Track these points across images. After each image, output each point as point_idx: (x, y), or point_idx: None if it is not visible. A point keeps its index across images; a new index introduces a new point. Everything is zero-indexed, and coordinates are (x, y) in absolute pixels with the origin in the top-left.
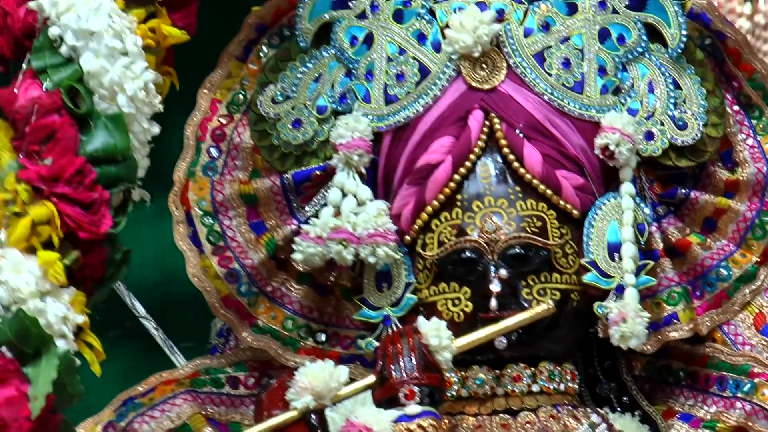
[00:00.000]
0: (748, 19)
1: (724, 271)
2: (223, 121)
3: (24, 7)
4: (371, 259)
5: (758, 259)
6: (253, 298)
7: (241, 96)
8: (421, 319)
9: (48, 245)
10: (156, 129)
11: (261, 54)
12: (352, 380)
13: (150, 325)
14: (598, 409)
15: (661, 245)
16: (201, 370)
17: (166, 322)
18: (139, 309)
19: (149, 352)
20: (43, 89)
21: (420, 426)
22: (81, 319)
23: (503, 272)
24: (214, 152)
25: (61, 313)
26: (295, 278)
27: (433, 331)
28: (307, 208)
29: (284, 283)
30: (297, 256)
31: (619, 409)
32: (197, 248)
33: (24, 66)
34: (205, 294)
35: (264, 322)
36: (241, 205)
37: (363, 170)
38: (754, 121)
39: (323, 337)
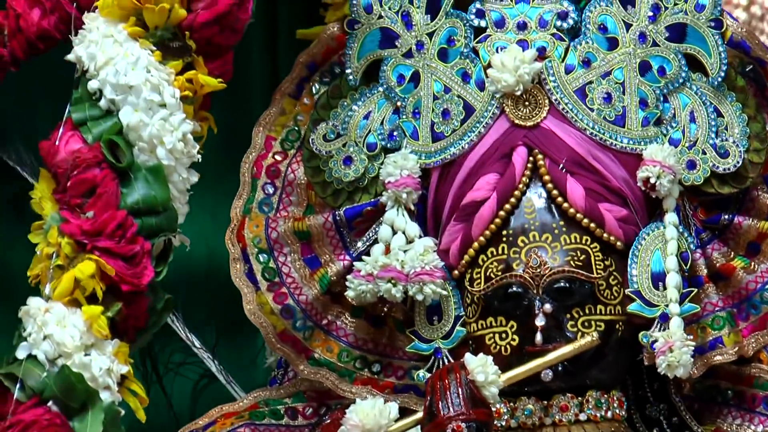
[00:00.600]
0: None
1: None
2: (278, 158)
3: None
4: (419, 297)
5: None
6: (309, 332)
7: (295, 132)
8: (468, 355)
9: (92, 299)
10: (195, 178)
11: (313, 91)
12: (401, 417)
13: (206, 356)
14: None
15: (705, 271)
16: (260, 402)
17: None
18: (195, 341)
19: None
20: (84, 142)
21: None
22: (125, 369)
23: (548, 306)
24: (269, 189)
25: (105, 365)
26: (350, 311)
27: (480, 366)
28: (359, 244)
29: (339, 316)
30: (349, 294)
31: (668, 430)
32: (253, 285)
33: (64, 116)
34: (261, 330)
35: (320, 355)
36: (296, 242)
37: (412, 206)
38: None
39: (378, 367)
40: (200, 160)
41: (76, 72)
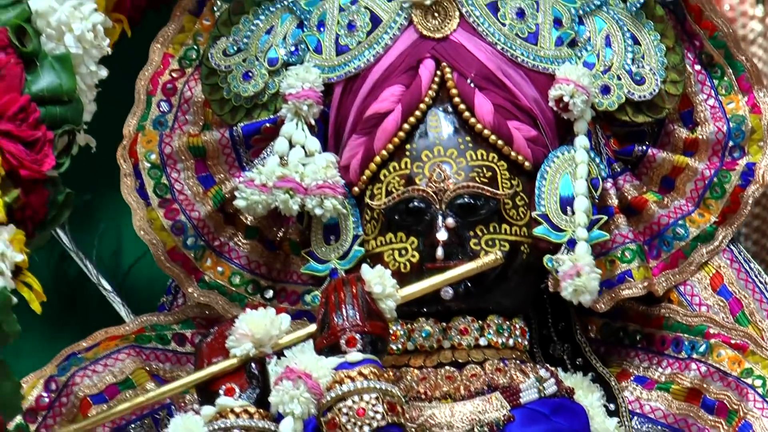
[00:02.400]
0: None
1: (681, 230)
2: (175, 75)
3: None
4: (318, 211)
5: (716, 219)
6: (200, 251)
7: (194, 51)
8: (365, 267)
9: None
10: (104, 72)
11: (214, 8)
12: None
13: (116, 300)
14: (549, 366)
15: (616, 202)
16: (147, 326)
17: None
18: (105, 285)
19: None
20: None
21: (361, 373)
22: (20, 257)
23: (450, 221)
24: (164, 106)
25: None
26: (243, 233)
27: (377, 278)
28: (256, 162)
29: (232, 237)
30: (240, 203)
31: (571, 370)
32: (144, 200)
33: None
34: (150, 247)
35: (211, 277)
36: (190, 158)
37: (312, 122)
38: (715, 81)
39: (270, 294)
40: (110, 53)
41: None
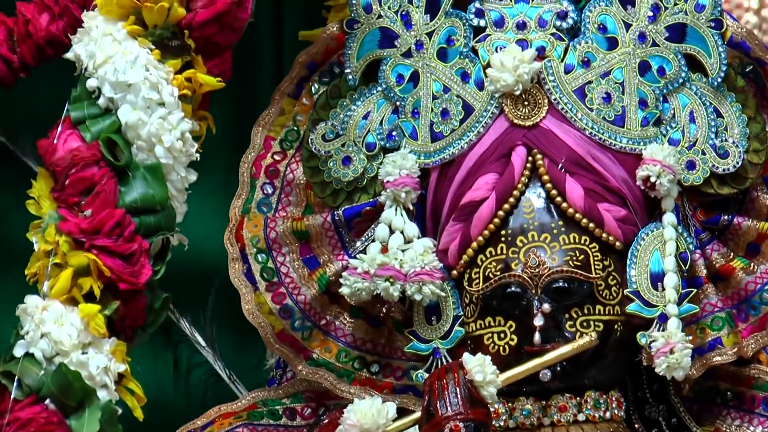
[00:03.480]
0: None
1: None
2: (277, 158)
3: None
4: (417, 297)
5: None
6: (307, 332)
7: (294, 133)
8: (466, 355)
9: (89, 297)
10: (193, 177)
11: (312, 91)
12: (399, 417)
13: (209, 356)
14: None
15: (704, 272)
16: (258, 402)
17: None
18: (200, 340)
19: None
20: (82, 140)
21: None
22: (122, 368)
23: (546, 306)
24: (268, 189)
25: (102, 364)
26: (348, 312)
27: (478, 366)
28: (357, 244)
29: (338, 316)
30: (344, 291)
31: (667, 431)
32: (252, 285)
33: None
34: (259, 329)
35: (318, 355)
36: (294, 242)
37: (411, 206)
38: None
39: (377, 368)
40: (198, 159)
41: (75, 71)
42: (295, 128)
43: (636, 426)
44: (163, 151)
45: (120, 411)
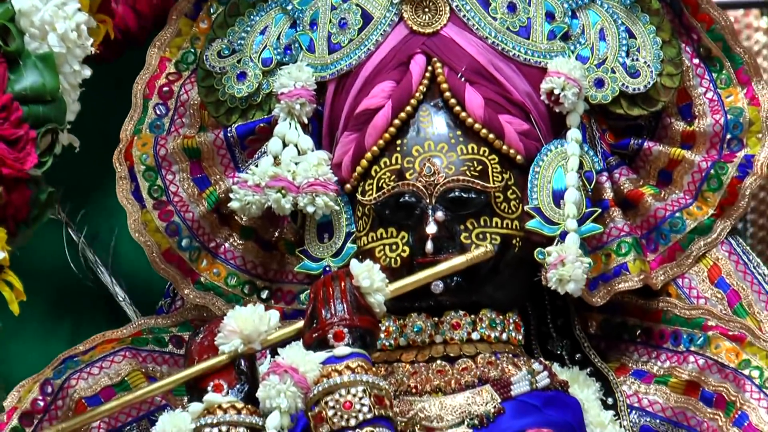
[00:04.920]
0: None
1: (678, 223)
2: (172, 78)
3: None
4: (310, 209)
5: (714, 212)
6: (195, 252)
7: (191, 55)
8: (353, 262)
9: None
10: (87, 72)
11: (211, 11)
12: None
13: (129, 309)
14: (543, 360)
15: (611, 195)
16: (144, 329)
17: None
18: (119, 291)
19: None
20: None
21: (348, 367)
22: (2, 255)
23: (440, 214)
24: (161, 109)
25: None
26: (239, 234)
27: (365, 272)
28: (250, 162)
29: (227, 238)
30: (234, 204)
31: (570, 365)
32: (139, 203)
33: None
34: (145, 249)
35: (206, 279)
36: (185, 160)
37: (305, 120)
38: (714, 74)
39: (267, 294)
40: (93, 52)
41: None
42: (192, 50)
43: (534, 353)
44: (57, 39)
45: None
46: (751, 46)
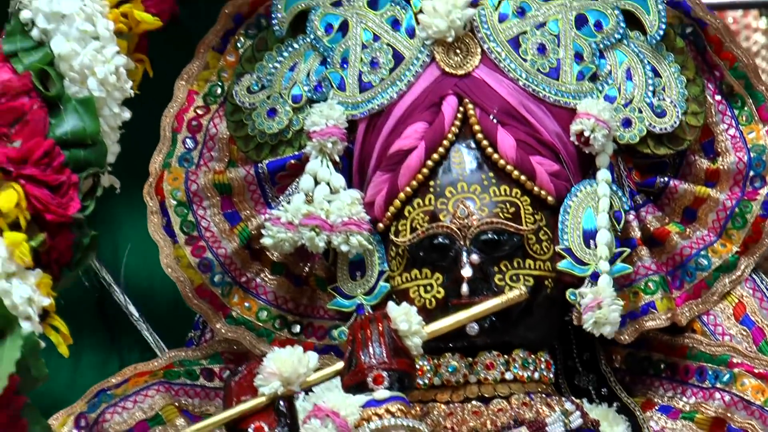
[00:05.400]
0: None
1: (703, 261)
2: (200, 112)
3: None
4: (344, 248)
5: (738, 249)
6: (227, 288)
7: (218, 88)
8: (390, 305)
9: (15, 227)
10: (127, 114)
11: (238, 44)
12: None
13: (143, 328)
14: (574, 398)
15: (638, 234)
16: (175, 361)
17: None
18: (133, 311)
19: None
20: (13, 72)
21: (388, 411)
22: (47, 301)
23: (475, 257)
24: (189, 143)
25: (26, 294)
26: (270, 269)
27: (403, 315)
28: (281, 198)
29: (259, 273)
30: (266, 241)
31: (597, 400)
32: (171, 238)
33: None
34: (178, 284)
35: (238, 313)
36: (216, 195)
37: (337, 158)
38: (736, 111)
39: (298, 328)
40: (133, 95)
41: (9, 7)
42: (220, 83)
43: (564, 393)
44: (96, 83)
45: (43, 345)
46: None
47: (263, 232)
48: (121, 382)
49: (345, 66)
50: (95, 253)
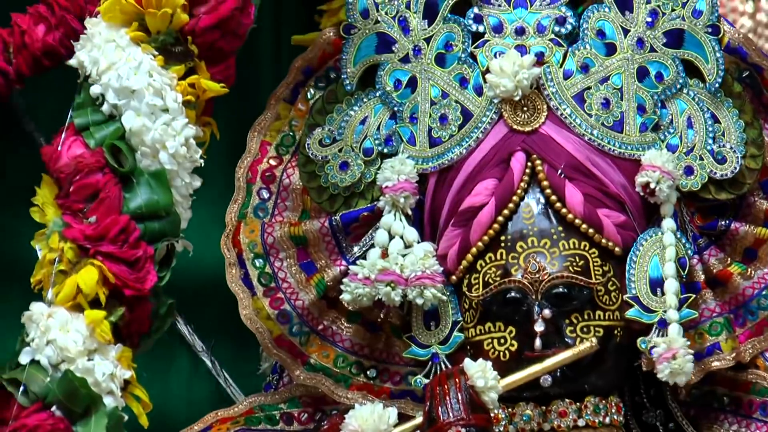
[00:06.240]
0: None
1: (765, 300)
2: (273, 162)
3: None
4: (419, 301)
5: None
6: (305, 337)
7: (290, 138)
8: (467, 361)
9: (95, 304)
10: (197, 183)
11: (308, 95)
12: (399, 422)
13: (207, 359)
14: None
15: (702, 277)
16: (255, 407)
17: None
18: (198, 344)
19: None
20: (86, 147)
21: None
22: (128, 374)
23: (547, 312)
24: (264, 194)
25: (108, 370)
26: (346, 317)
27: (479, 371)
28: (355, 249)
29: (335, 321)
30: (345, 297)
31: None
32: (249, 290)
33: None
34: (257, 335)
35: (316, 360)
36: (292, 247)
37: (409, 212)
38: None
39: (374, 373)
40: (203, 164)
41: (78, 78)
42: (291, 133)
43: (633, 431)
44: (168, 157)
45: (126, 417)
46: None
47: (342, 287)
48: (203, 430)
49: (414, 121)
50: (172, 319)
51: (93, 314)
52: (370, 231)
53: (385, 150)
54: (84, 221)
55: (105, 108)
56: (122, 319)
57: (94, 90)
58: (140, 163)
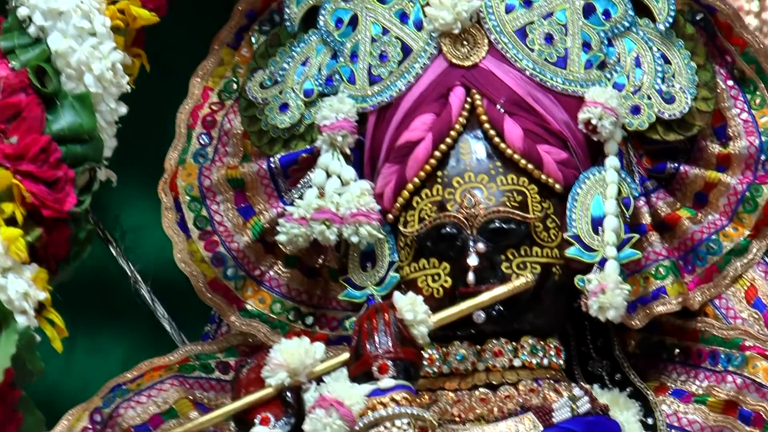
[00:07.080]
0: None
1: (714, 245)
2: (215, 108)
3: None
4: (354, 239)
5: (750, 233)
6: (241, 281)
7: (233, 83)
8: (396, 294)
9: (11, 222)
10: (123, 109)
11: (252, 40)
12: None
13: (166, 323)
14: (584, 384)
15: (649, 220)
16: (191, 355)
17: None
18: (158, 307)
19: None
20: (10, 69)
21: (393, 399)
22: (43, 295)
23: (481, 246)
24: (204, 139)
25: (22, 289)
26: (283, 261)
27: (409, 305)
28: (293, 192)
29: (272, 266)
30: (281, 238)
31: (610, 386)
32: (184, 233)
33: None
34: (191, 279)
35: (252, 306)
36: (229, 190)
37: (348, 151)
38: (748, 96)
39: (311, 320)
40: (129, 91)
41: (6, 4)
42: (235, 79)
43: (577, 378)
44: (93, 79)
45: (39, 339)
46: None
47: (278, 228)
48: (136, 377)
49: (355, 60)
50: (91, 246)
51: (8, 231)
52: (308, 173)
53: (326, 90)
54: (5, 141)
55: (32, 30)
56: (39, 240)
57: (21, 12)
58: (65, 86)
